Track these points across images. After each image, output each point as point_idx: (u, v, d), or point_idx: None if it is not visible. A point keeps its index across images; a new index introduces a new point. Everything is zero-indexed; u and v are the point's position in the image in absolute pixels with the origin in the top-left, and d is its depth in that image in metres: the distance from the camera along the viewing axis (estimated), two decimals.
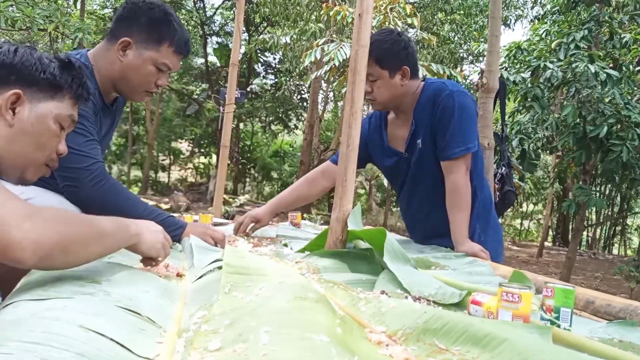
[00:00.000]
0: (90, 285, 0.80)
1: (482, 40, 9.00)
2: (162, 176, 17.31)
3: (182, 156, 17.51)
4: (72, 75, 1.01)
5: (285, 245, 1.64)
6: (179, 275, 1.08)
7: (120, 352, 0.60)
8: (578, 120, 4.90)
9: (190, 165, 17.53)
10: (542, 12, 7.47)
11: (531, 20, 10.51)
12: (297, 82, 13.70)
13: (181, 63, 1.60)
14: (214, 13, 15.47)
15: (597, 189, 11.11)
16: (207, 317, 0.71)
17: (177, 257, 1.31)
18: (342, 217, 1.35)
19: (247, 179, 17.50)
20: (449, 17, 10.49)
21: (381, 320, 0.79)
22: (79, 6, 9.20)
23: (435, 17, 10.17)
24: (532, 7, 10.96)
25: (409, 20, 5.51)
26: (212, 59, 15.69)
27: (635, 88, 5.23)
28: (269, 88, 16.08)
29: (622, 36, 5.12)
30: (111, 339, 0.61)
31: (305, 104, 14.26)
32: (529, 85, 4.99)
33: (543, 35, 5.71)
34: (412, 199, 1.86)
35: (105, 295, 0.76)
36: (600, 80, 4.46)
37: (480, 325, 0.68)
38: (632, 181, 5.26)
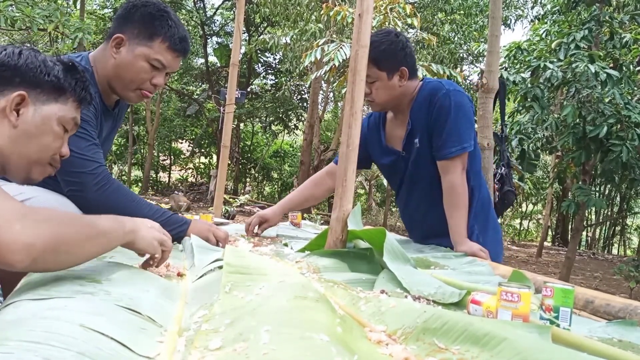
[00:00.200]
0: (91, 284, 0.80)
1: (482, 40, 9.00)
2: (163, 176, 17.31)
3: (182, 156, 17.50)
4: (76, 78, 1.02)
5: (286, 245, 1.65)
6: (179, 274, 1.09)
7: (121, 351, 0.60)
8: (578, 120, 4.90)
9: (190, 165, 17.53)
10: (542, 12, 7.47)
11: (531, 20, 10.51)
12: (297, 83, 13.70)
13: (181, 63, 1.58)
14: (214, 13, 15.47)
15: (597, 189, 11.12)
16: (207, 317, 0.72)
17: (177, 256, 1.32)
18: (342, 217, 1.35)
19: (248, 179, 17.49)
20: (449, 17, 10.50)
21: (381, 319, 0.79)
22: (78, 6, 9.19)
23: (435, 17, 10.17)
24: (532, 7, 10.96)
25: (409, 21, 5.51)
26: (212, 59, 15.70)
27: (636, 88, 5.23)
28: (269, 88, 16.08)
29: (622, 36, 5.12)
30: (112, 338, 0.61)
31: (305, 104, 14.26)
32: (529, 85, 4.99)
33: (543, 35, 5.71)
34: (410, 198, 1.86)
35: (105, 295, 0.77)
36: (601, 80, 4.46)
37: (479, 325, 0.68)
38: (631, 181, 5.26)
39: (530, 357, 0.60)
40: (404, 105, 1.77)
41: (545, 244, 10.98)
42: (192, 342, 0.64)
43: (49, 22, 6.57)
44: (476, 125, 2.79)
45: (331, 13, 5.57)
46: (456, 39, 10.38)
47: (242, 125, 16.19)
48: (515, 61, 5.47)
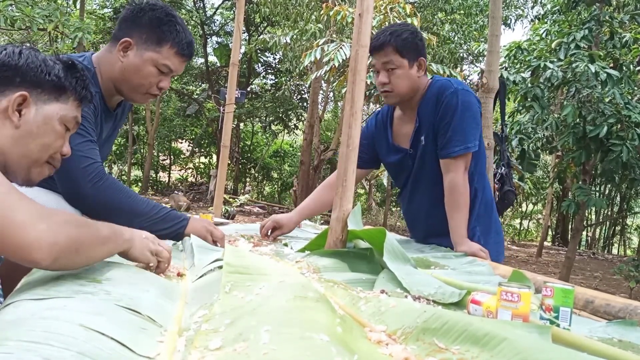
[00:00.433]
0: (91, 284, 0.80)
1: (482, 40, 9.00)
2: (163, 176, 17.30)
3: (182, 156, 17.50)
4: (76, 77, 1.02)
5: (286, 244, 1.65)
6: (179, 274, 1.09)
7: (120, 351, 0.60)
8: (578, 120, 4.90)
9: (190, 165, 17.52)
10: (542, 12, 7.47)
11: (531, 20, 10.51)
12: (297, 82, 13.69)
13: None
14: (214, 13, 15.46)
15: (597, 188, 11.12)
16: (207, 316, 0.72)
17: (177, 256, 1.32)
18: (342, 217, 1.35)
19: (247, 179, 17.49)
20: (449, 17, 10.49)
21: (381, 319, 0.79)
22: (78, 6, 9.19)
23: (435, 17, 10.17)
24: (533, 7, 10.96)
25: (409, 20, 5.51)
26: (212, 59, 15.70)
27: (636, 88, 5.23)
28: (269, 88, 16.08)
29: (622, 36, 5.11)
30: (112, 338, 0.61)
31: (305, 104, 14.26)
32: (529, 85, 4.99)
33: (543, 35, 5.71)
34: (414, 195, 1.86)
35: (105, 295, 0.77)
36: (601, 80, 4.46)
37: (479, 325, 0.68)
38: (631, 181, 5.26)
39: (530, 357, 0.60)
40: (414, 101, 1.76)
41: (545, 243, 10.98)
42: (192, 342, 0.64)
43: (49, 21, 6.57)
44: None
45: (331, 13, 5.57)
46: (456, 38, 10.37)
47: (242, 125, 16.19)
48: (515, 61, 5.47)
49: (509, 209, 5.07)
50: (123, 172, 15.50)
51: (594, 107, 4.79)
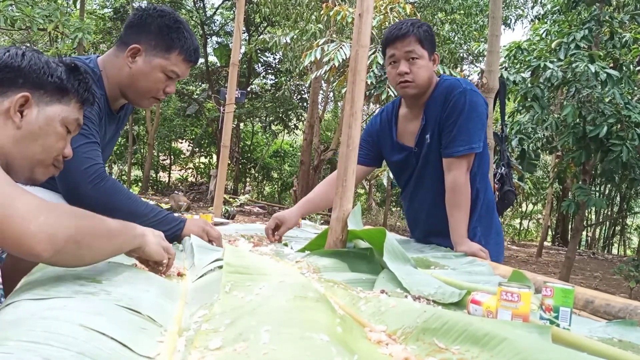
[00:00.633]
0: (91, 284, 0.80)
1: (482, 40, 9.00)
2: (163, 176, 17.31)
3: (182, 156, 17.50)
4: (79, 80, 1.02)
5: (286, 244, 1.65)
6: (179, 274, 1.09)
7: (121, 351, 0.60)
8: (578, 120, 4.90)
9: (190, 165, 17.53)
10: (542, 12, 7.47)
11: (531, 20, 10.51)
12: (297, 82, 13.69)
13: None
14: (214, 13, 15.46)
15: (597, 188, 11.13)
16: (207, 316, 0.72)
17: (177, 256, 1.32)
18: (342, 217, 1.35)
19: (248, 179, 17.49)
20: (449, 17, 10.49)
21: (381, 319, 0.79)
22: (78, 6, 9.19)
23: (435, 17, 10.17)
24: (533, 7, 10.96)
25: None
26: (212, 59, 15.70)
27: (636, 88, 5.23)
28: (269, 88, 16.08)
29: (622, 36, 5.11)
30: (112, 338, 0.61)
31: (305, 104, 14.26)
32: (529, 85, 4.99)
33: (543, 35, 5.71)
34: (416, 194, 1.85)
35: (105, 295, 0.77)
36: (601, 80, 4.46)
37: (479, 325, 0.68)
38: (631, 181, 5.26)
39: (530, 357, 0.60)
40: (422, 98, 1.76)
41: (545, 243, 10.98)
42: (192, 342, 0.64)
43: (49, 21, 6.58)
44: None
45: (331, 13, 5.57)
46: (456, 38, 10.37)
47: (242, 125, 16.19)
48: (515, 61, 5.47)
49: (509, 209, 5.07)
50: (123, 172, 15.50)
51: (594, 107, 4.79)
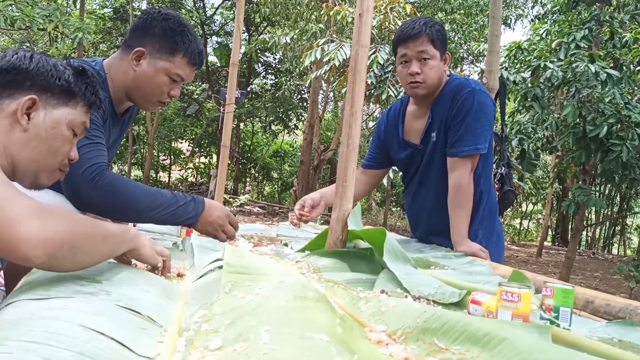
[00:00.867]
0: (91, 284, 0.80)
1: (482, 40, 9.00)
2: (163, 176, 17.31)
3: (182, 156, 17.51)
4: (86, 83, 1.03)
5: (286, 245, 1.65)
6: (179, 274, 1.09)
7: (120, 351, 0.60)
8: (578, 120, 4.90)
9: (190, 165, 17.53)
10: (542, 12, 7.47)
11: (531, 20, 10.51)
12: (297, 82, 13.69)
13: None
14: (214, 13, 15.46)
15: (597, 188, 11.12)
16: (207, 317, 0.72)
17: (177, 256, 1.32)
18: (342, 217, 1.35)
19: (248, 179, 17.49)
20: (449, 17, 10.49)
21: (381, 319, 0.79)
22: (78, 5, 9.19)
23: (436, 17, 10.17)
24: (533, 7, 10.96)
25: None
26: (212, 58, 15.69)
27: (636, 88, 5.23)
28: (269, 88, 16.08)
29: (622, 36, 5.11)
30: (112, 338, 0.61)
31: (305, 104, 14.26)
32: (529, 85, 4.99)
33: (543, 35, 5.71)
34: (419, 192, 1.85)
35: (105, 295, 0.77)
36: (601, 80, 4.46)
37: (479, 325, 0.68)
38: (631, 181, 5.26)
39: (530, 357, 0.60)
40: (432, 96, 1.76)
41: (545, 243, 10.98)
42: (192, 342, 0.64)
43: (49, 21, 6.58)
44: None
45: (331, 13, 5.57)
46: (456, 38, 10.37)
47: (242, 125, 16.19)
48: (515, 61, 5.47)
49: (509, 209, 5.07)
50: (123, 172, 15.49)
51: (594, 107, 4.79)
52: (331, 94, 13.11)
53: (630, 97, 4.97)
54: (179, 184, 16.77)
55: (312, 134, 11.25)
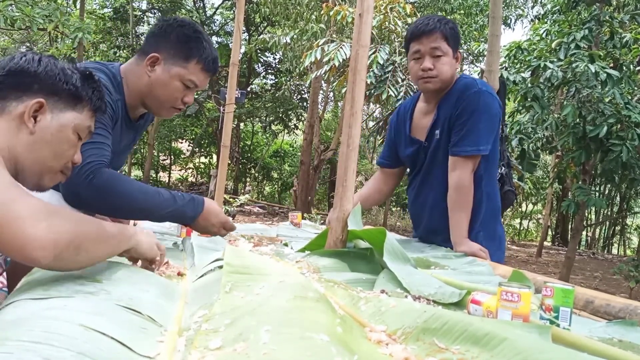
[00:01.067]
0: (91, 284, 0.80)
1: (482, 40, 9.00)
2: (163, 176, 17.30)
3: (182, 156, 17.50)
4: (93, 87, 1.03)
5: (286, 244, 1.65)
6: (179, 274, 1.09)
7: (121, 351, 0.60)
8: (578, 120, 4.90)
9: (190, 165, 17.52)
10: (542, 12, 7.47)
11: (531, 20, 10.51)
12: (297, 82, 13.69)
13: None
14: (214, 13, 15.46)
15: (597, 188, 11.12)
16: (207, 316, 0.72)
17: (178, 256, 1.32)
18: (342, 217, 1.35)
19: (248, 179, 17.49)
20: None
21: (381, 319, 0.79)
22: (78, 5, 9.19)
23: None
24: (533, 7, 10.96)
25: (409, 20, 5.51)
26: None
27: (636, 88, 5.23)
28: (269, 88, 16.07)
29: (622, 36, 5.11)
30: (112, 338, 0.61)
31: (305, 104, 14.25)
32: (529, 85, 4.98)
33: (543, 35, 5.70)
34: (421, 189, 1.85)
35: (105, 295, 0.77)
36: (601, 80, 4.45)
37: (479, 325, 0.68)
38: (631, 181, 5.26)
39: (530, 357, 0.60)
40: (442, 93, 1.76)
41: (545, 243, 10.98)
42: (192, 342, 0.64)
43: (49, 21, 6.58)
44: None
45: (331, 13, 5.57)
46: None
47: (242, 125, 16.18)
48: (515, 61, 5.47)
49: (509, 209, 5.07)
50: (123, 172, 15.47)
51: (594, 107, 4.78)
52: (331, 94, 13.11)
53: (630, 97, 4.97)
54: (179, 184, 16.76)
55: (312, 134, 11.25)
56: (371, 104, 6.82)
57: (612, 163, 4.77)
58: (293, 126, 16.14)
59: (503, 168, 2.20)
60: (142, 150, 16.39)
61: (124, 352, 0.60)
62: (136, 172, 16.45)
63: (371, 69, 4.84)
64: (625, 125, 4.71)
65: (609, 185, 11.19)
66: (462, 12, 10.62)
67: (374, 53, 4.81)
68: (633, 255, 11.57)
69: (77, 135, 1.01)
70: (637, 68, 5.17)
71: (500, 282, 0.92)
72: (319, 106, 12.22)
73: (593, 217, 13.24)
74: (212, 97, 14.26)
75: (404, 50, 5.33)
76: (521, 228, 16.31)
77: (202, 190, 14.85)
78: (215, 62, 1.49)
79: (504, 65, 5.41)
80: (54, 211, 0.77)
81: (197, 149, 17.03)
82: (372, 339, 0.72)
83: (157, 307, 0.78)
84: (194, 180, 17.15)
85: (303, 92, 14.72)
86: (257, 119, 16.11)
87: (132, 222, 1.56)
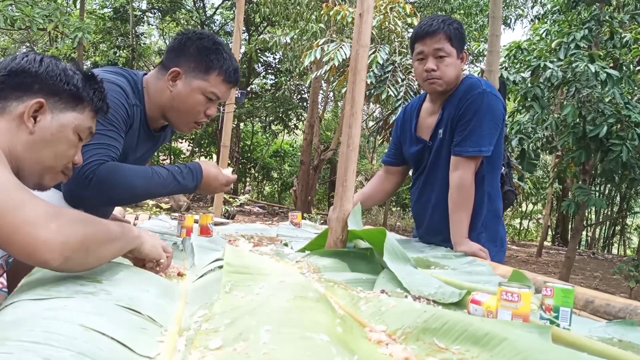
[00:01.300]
0: (91, 284, 0.80)
1: (482, 40, 9.00)
2: None
3: (182, 156, 17.49)
4: (94, 88, 1.03)
5: (286, 244, 1.65)
6: (179, 274, 1.09)
7: (121, 351, 0.60)
8: (578, 120, 4.90)
9: None
10: (542, 12, 7.47)
11: (531, 20, 10.51)
12: (297, 82, 13.69)
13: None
14: (214, 13, 15.46)
15: (597, 188, 11.12)
16: (207, 316, 0.72)
17: (178, 256, 1.32)
18: (342, 217, 1.35)
19: (248, 179, 17.49)
20: None
21: (381, 319, 0.79)
22: (78, 5, 9.19)
23: None
24: (533, 7, 10.96)
25: (409, 20, 5.51)
26: None
27: (636, 88, 5.23)
28: (269, 88, 16.07)
29: (622, 36, 5.11)
30: (112, 338, 0.61)
31: (305, 104, 14.25)
32: (529, 85, 4.98)
33: (543, 35, 5.71)
34: (424, 189, 1.85)
35: (106, 295, 0.77)
36: (601, 80, 4.46)
37: (479, 325, 0.68)
38: (631, 181, 5.26)
39: (530, 357, 0.60)
40: (448, 93, 1.76)
41: (545, 243, 10.98)
42: (192, 341, 0.64)
43: (49, 21, 6.57)
44: None
45: (331, 13, 5.57)
46: None
47: (242, 125, 16.18)
48: (515, 61, 5.47)
49: (509, 209, 5.07)
50: None
51: (594, 107, 4.79)
52: (331, 94, 13.11)
53: (630, 97, 4.97)
54: None
55: (312, 134, 11.25)
56: (371, 104, 6.82)
57: (612, 163, 4.77)
58: (293, 126, 16.14)
59: (503, 168, 2.20)
60: None
61: (124, 352, 0.60)
62: None
63: (371, 69, 4.84)
64: (625, 125, 4.71)
65: (609, 185, 11.19)
66: (462, 12, 10.62)
67: (374, 53, 4.81)
68: (633, 255, 11.57)
69: (77, 136, 1.01)
70: (637, 68, 5.17)
71: (500, 282, 0.92)
72: (319, 106, 12.22)
73: (593, 217, 13.24)
74: None
75: (404, 50, 5.32)
76: (521, 228, 16.31)
77: None
78: (237, 72, 1.48)
79: (504, 65, 5.41)
80: (61, 213, 0.77)
81: (197, 149, 17.02)
82: (372, 339, 0.72)
83: (157, 307, 0.78)
84: None
85: (303, 92, 14.72)
86: (257, 118, 16.11)
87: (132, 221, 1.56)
